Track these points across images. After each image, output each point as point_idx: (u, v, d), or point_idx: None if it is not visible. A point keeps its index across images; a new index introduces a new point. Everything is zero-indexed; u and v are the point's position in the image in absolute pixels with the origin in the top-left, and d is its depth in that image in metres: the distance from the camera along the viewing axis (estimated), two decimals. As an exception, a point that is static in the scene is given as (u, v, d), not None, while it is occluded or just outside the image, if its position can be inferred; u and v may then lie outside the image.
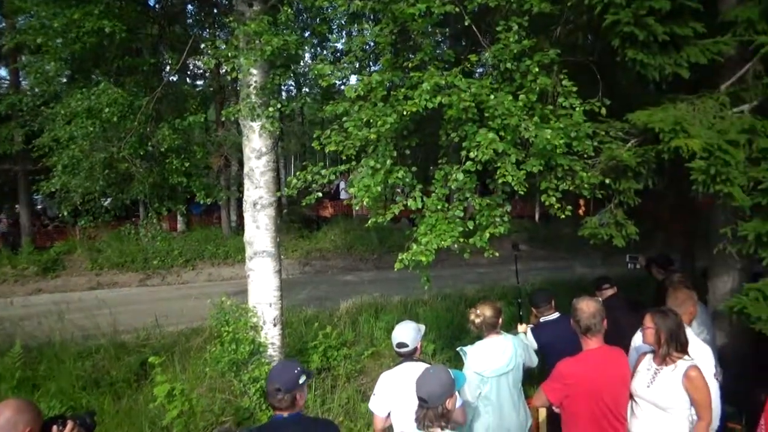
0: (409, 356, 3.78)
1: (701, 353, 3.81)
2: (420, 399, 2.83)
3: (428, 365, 3.55)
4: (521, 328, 4.89)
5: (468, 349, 4.08)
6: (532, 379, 5.60)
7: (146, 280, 15.12)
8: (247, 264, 6.47)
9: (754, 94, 4.32)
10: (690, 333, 3.79)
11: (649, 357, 3.67)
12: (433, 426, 2.80)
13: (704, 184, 3.78)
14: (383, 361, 7.32)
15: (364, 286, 12.59)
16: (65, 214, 8.46)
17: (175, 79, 10.39)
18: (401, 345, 3.75)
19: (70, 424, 2.49)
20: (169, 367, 7.22)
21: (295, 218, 17.94)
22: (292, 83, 17.57)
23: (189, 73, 16.73)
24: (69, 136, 7.64)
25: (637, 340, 4.05)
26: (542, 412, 4.35)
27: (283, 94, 17.18)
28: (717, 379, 3.78)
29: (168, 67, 9.40)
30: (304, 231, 17.75)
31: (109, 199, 9.33)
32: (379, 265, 16.00)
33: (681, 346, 3.47)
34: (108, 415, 6.35)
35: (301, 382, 2.99)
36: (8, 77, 17.00)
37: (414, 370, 3.54)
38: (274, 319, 6.38)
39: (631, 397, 3.71)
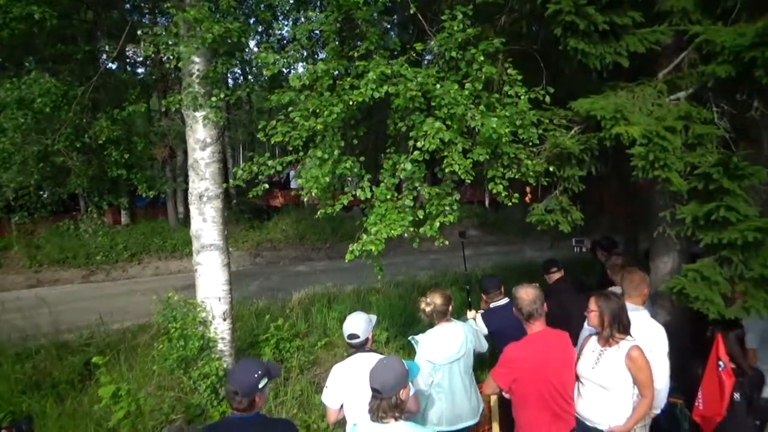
0: (361, 347, 3.77)
1: (656, 334, 3.93)
2: (374, 390, 2.82)
3: (381, 356, 3.56)
4: (471, 314, 4.96)
5: (419, 337, 4.11)
6: (483, 365, 5.71)
7: (90, 276, 14.53)
8: (194, 258, 6.30)
9: (690, 81, 4.47)
10: (645, 314, 3.91)
11: (593, 339, 3.79)
12: (387, 417, 2.80)
13: (644, 169, 3.89)
14: (336, 351, 7.30)
15: (316, 275, 12.52)
16: (-3, 209, 8.03)
17: (113, 67, 9.97)
18: (352, 336, 3.73)
19: None
20: (115, 366, 7.00)
21: (245, 209, 17.62)
22: (238, 71, 17.16)
23: (128, 60, 16.09)
24: (-1, 128, 7.26)
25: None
26: (493, 397, 4.43)
27: (230, 81, 16.73)
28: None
29: (105, 55, 9.01)
30: (254, 221, 17.45)
31: (46, 193, 8.93)
32: (332, 255, 15.91)
33: (623, 327, 3.59)
34: (50, 418, 6.09)
35: (261, 386, 2.94)
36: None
37: (366, 361, 3.53)
38: (224, 314, 6.25)
39: (578, 378, 3.83)
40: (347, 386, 3.68)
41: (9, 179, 7.67)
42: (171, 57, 5.41)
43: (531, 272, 10.04)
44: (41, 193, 8.97)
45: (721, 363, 3.64)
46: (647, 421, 3.96)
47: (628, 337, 3.61)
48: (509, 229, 17.61)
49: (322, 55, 6.34)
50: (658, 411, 3.98)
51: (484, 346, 4.50)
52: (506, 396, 3.80)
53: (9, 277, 14.20)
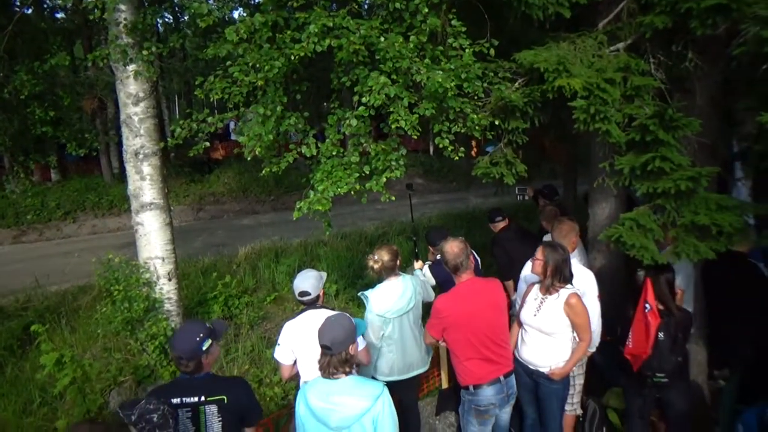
0: (312, 304, 3.80)
1: (585, 278, 4.15)
2: (323, 347, 2.86)
3: (331, 312, 3.60)
4: (417, 264, 5.06)
5: (369, 293, 4.17)
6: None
7: (21, 236, 13.83)
8: (133, 218, 6.08)
9: (628, 32, 4.51)
10: (574, 261, 4.09)
11: (536, 287, 3.95)
12: (337, 372, 2.86)
13: (585, 122, 3.96)
14: (286, 305, 7.33)
15: (261, 229, 12.39)
16: None
17: (28, 13, 9.19)
18: (304, 294, 3.75)
19: None
20: (56, 330, 6.82)
21: (184, 162, 17.03)
22: (169, 16, 16.21)
23: (45, 6, 14.88)
24: None
25: (526, 270, 4.33)
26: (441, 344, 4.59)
27: (160, 29, 15.78)
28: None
29: (19, 1, 8.28)
30: (195, 175, 16.91)
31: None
32: (277, 207, 15.72)
33: (564, 278, 3.78)
34: (-9, 386, 5.93)
35: (204, 348, 2.93)
36: None
37: (317, 317, 3.56)
38: (168, 273, 6.12)
39: (521, 325, 4.01)
40: (299, 343, 3.72)
41: None
42: (94, 8, 5.00)
43: (476, 219, 10.30)
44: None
45: (647, 305, 3.86)
46: (584, 360, 4.23)
47: (568, 286, 3.79)
48: (454, 178, 17.83)
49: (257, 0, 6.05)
50: (593, 350, 4.25)
51: (432, 296, 4.60)
52: (442, 344, 3.96)
53: (-69, 241, 13.39)
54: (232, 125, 17.91)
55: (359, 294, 4.27)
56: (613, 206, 5.08)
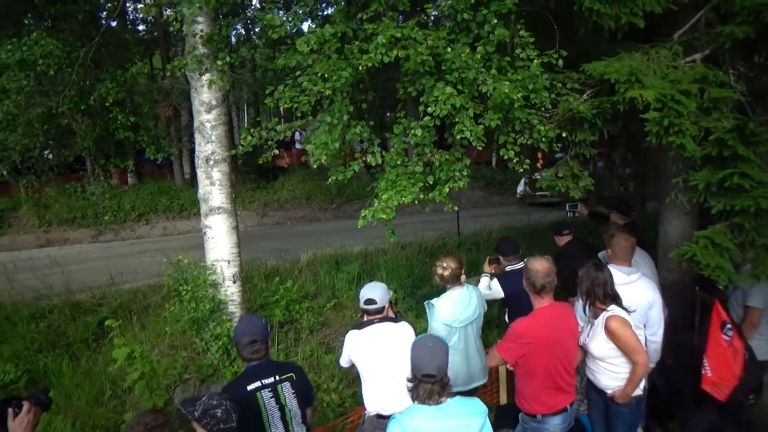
0: (376, 314, 3.72)
1: (648, 290, 3.95)
2: (427, 375, 2.70)
3: (396, 324, 3.60)
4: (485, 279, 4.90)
5: (435, 301, 4.14)
6: (490, 326, 5.81)
7: (98, 236, 14.64)
8: (202, 221, 6.32)
9: (706, 42, 4.35)
10: (634, 276, 3.93)
11: (588, 310, 3.78)
12: (441, 396, 2.74)
13: (658, 135, 3.83)
14: (345, 312, 7.39)
15: (323, 236, 12.55)
16: (4, 174, 8.04)
17: (113, 25, 9.79)
18: (370, 301, 3.68)
19: (26, 405, 2.39)
20: (128, 326, 7.13)
21: (250, 169, 17.57)
22: (241, 28, 16.81)
23: (128, 18, 15.79)
24: (1, 90, 7.20)
25: None
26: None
27: (232, 39, 16.40)
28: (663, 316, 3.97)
29: (105, 13, 8.82)
30: (261, 182, 17.42)
31: (49, 153, 8.92)
32: (338, 215, 15.95)
33: (599, 298, 3.57)
34: (67, 377, 6.27)
35: (269, 330, 3.25)
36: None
37: (384, 331, 3.59)
38: (233, 276, 6.31)
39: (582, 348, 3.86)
40: (363, 354, 3.67)
41: (15, 142, 7.67)
42: (174, 21, 5.27)
43: (538, 234, 10.09)
44: (46, 153, 8.97)
45: (728, 329, 3.66)
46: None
47: (610, 307, 3.58)
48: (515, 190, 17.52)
49: (327, 11, 6.19)
50: (652, 365, 4.02)
51: (485, 306, 4.54)
52: (510, 368, 3.82)
53: (19, 237, 14.35)
54: (297, 135, 18.31)
55: (425, 303, 4.24)
56: (685, 223, 4.88)
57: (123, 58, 8.26)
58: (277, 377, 3.16)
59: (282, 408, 3.14)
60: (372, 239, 10.22)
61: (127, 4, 13.60)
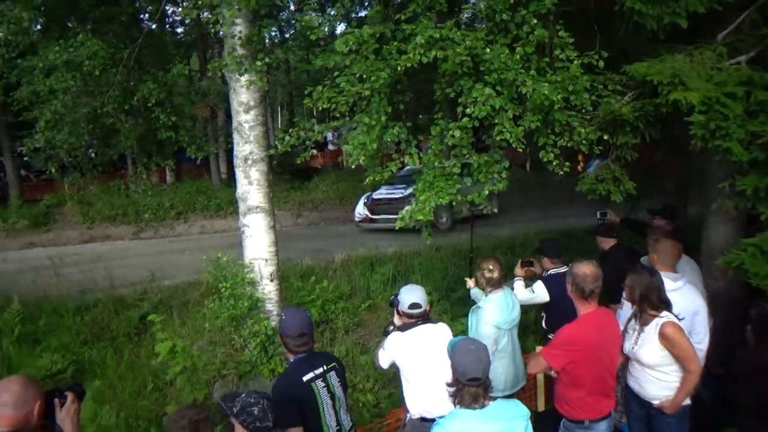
0: (423, 317, 3.65)
1: (694, 297, 3.84)
2: (473, 379, 2.66)
3: (435, 325, 3.60)
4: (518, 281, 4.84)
5: (483, 304, 4.09)
6: (526, 330, 5.76)
7: (139, 233, 15.10)
8: (240, 220, 6.43)
9: (751, 44, 4.23)
10: (680, 282, 3.82)
11: (635, 317, 3.69)
12: (485, 399, 2.70)
13: (703, 138, 3.74)
14: (380, 313, 7.41)
15: (357, 236, 12.64)
16: (53, 171, 8.32)
17: (153, 27, 10.03)
18: (415, 306, 3.59)
19: (70, 396, 2.48)
20: (169, 321, 7.30)
21: (285, 170, 17.78)
22: (276, 30, 17.05)
23: (167, 20, 16.17)
24: (49, 90, 7.45)
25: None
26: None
27: (266, 41, 16.68)
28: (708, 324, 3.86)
29: (147, 15, 9.05)
30: (296, 182, 17.61)
31: (93, 152, 9.19)
32: (372, 216, 15.99)
33: (653, 305, 3.47)
34: (111, 369, 6.47)
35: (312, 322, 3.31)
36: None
37: (428, 332, 3.58)
38: (271, 275, 6.40)
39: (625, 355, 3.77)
40: (407, 357, 3.61)
41: (62, 140, 7.93)
42: (213, 23, 5.38)
43: (575, 239, 9.94)
44: (90, 152, 9.26)
45: None
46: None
47: (663, 313, 3.48)
48: (551, 194, 17.25)
49: (362, 13, 6.24)
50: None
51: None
52: (554, 375, 3.74)
53: (65, 233, 14.88)
54: (329, 136, 18.43)
55: (474, 307, 4.18)
56: (730, 230, 4.75)
57: (163, 60, 8.46)
58: (325, 367, 3.23)
59: (333, 396, 3.21)
60: (405, 241, 10.25)
61: (166, 7, 13.93)
